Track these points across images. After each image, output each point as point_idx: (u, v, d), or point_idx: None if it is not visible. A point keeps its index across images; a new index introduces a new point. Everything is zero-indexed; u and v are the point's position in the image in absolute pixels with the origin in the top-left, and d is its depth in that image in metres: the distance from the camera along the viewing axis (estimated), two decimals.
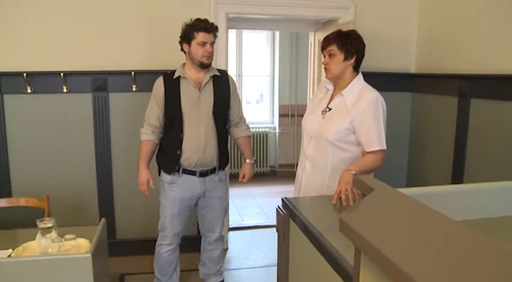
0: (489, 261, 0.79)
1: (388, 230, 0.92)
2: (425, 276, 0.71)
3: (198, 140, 2.65)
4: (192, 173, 2.71)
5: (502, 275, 0.75)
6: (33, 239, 2.06)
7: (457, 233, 0.91)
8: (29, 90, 3.30)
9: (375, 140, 2.14)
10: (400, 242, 0.87)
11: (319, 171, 2.26)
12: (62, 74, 3.31)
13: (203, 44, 2.59)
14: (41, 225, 2.01)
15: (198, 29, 2.58)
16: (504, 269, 0.77)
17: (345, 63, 2.21)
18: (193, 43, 2.60)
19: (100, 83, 3.41)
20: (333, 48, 2.21)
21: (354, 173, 2.01)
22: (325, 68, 2.28)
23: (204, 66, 2.65)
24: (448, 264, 0.75)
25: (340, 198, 1.90)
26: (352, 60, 2.22)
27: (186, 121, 2.64)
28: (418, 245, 0.87)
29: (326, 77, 2.32)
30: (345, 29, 2.38)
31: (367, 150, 2.15)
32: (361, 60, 2.27)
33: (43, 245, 2.00)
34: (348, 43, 2.20)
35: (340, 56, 2.20)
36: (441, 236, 0.91)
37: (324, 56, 2.27)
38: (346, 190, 1.92)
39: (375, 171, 2.19)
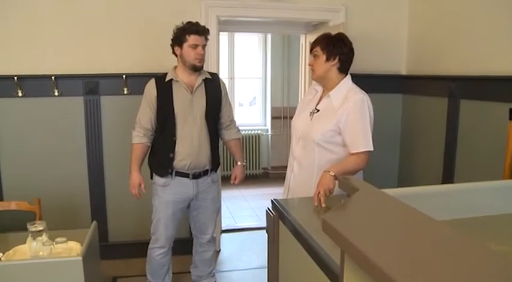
0: (472, 261, 0.80)
1: (371, 230, 0.93)
2: (407, 278, 0.71)
3: (191, 142, 2.66)
4: (185, 175, 2.71)
5: (484, 274, 0.75)
6: (24, 242, 2.06)
7: (440, 234, 0.91)
8: (20, 94, 3.29)
9: (361, 140, 2.15)
10: (382, 242, 0.87)
11: (306, 172, 2.28)
12: (53, 78, 3.30)
13: (195, 46, 2.60)
14: (31, 228, 2.01)
15: (189, 31, 2.60)
16: (486, 268, 0.77)
17: (327, 64, 2.24)
18: (185, 46, 2.61)
19: (91, 86, 3.41)
20: (317, 49, 2.26)
21: (332, 174, 2.03)
22: (311, 69, 2.33)
23: (196, 69, 2.66)
24: (430, 265, 0.75)
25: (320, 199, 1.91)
26: (335, 62, 2.24)
27: (179, 124, 2.65)
28: (400, 245, 0.88)
29: (312, 77, 2.37)
30: (335, 31, 2.41)
31: (352, 152, 2.16)
32: (348, 62, 2.29)
33: (34, 248, 2.00)
34: (330, 45, 2.24)
35: (322, 57, 2.24)
36: (424, 236, 0.91)
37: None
38: (325, 192, 1.94)
39: (356, 173, 2.19)
